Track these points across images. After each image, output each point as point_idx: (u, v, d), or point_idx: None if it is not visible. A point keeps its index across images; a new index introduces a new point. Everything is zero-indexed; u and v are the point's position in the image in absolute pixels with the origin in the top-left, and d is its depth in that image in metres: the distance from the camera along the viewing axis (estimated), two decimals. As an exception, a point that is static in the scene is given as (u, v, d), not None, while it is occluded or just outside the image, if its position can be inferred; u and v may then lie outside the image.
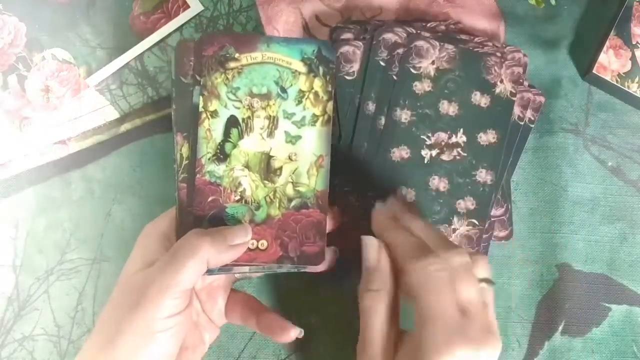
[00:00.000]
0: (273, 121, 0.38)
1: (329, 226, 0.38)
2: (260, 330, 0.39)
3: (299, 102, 0.38)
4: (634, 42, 0.47)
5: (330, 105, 0.38)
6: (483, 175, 0.43)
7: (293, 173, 0.38)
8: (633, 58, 0.46)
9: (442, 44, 0.43)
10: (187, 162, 0.37)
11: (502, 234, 0.44)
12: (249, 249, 0.36)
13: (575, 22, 0.49)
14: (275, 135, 0.37)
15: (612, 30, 0.46)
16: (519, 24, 0.48)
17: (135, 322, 0.32)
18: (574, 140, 0.47)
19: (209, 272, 0.36)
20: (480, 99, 0.43)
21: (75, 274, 0.45)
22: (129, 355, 0.31)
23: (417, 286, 0.31)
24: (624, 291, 0.46)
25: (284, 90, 0.38)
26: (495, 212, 0.44)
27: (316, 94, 0.38)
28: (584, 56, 0.48)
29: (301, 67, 0.38)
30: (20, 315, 0.44)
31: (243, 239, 0.36)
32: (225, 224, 0.37)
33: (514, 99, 0.44)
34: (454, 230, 0.43)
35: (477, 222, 0.43)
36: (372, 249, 0.35)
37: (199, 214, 0.36)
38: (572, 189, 0.46)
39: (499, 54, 0.44)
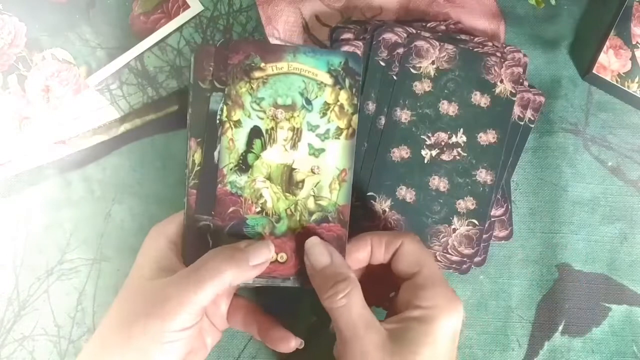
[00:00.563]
0: (297, 133, 0.37)
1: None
2: (261, 338, 0.39)
3: (324, 114, 0.37)
4: (634, 42, 0.47)
5: (355, 118, 0.38)
6: (483, 175, 0.43)
7: (315, 186, 0.37)
8: (633, 58, 0.46)
9: (442, 44, 0.43)
10: (198, 168, 0.36)
11: (502, 234, 0.44)
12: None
13: (575, 22, 0.49)
14: (298, 147, 0.37)
15: (612, 30, 0.46)
16: (519, 24, 0.48)
17: (148, 330, 0.31)
18: (574, 140, 0.47)
19: None
20: (480, 99, 0.43)
21: (75, 274, 0.45)
22: (138, 359, 0.32)
23: (421, 256, 0.35)
24: (624, 291, 0.46)
25: (309, 102, 0.37)
26: (495, 212, 0.44)
27: (341, 106, 0.38)
28: (584, 56, 0.48)
29: (327, 79, 0.37)
30: (20, 315, 0.44)
31: (266, 257, 0.35)
32: (244, 236, 0.36)
33: (514, 99, 0.44)
34: (454, 230, 0.43)
35: (477, 222, 0.43)
36: (318, 247, 0.35)
37: (218, 224, 0.36)
38: (572, 189, 0.46)
39: (498, 54, 0.44)
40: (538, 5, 0.46)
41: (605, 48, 0.46)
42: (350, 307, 0.33)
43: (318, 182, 0.37)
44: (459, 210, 0.43)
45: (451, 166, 0.43)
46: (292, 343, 0.38)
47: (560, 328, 0.45)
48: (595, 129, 0.47)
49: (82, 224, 0.45)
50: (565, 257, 0.45)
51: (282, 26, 0.46)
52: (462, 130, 0.43)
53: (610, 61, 0.46)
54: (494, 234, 0.44)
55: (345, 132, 0.38)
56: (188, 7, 0.46)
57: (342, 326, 0.33)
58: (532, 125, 0.45)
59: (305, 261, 0.36)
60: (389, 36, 0.44)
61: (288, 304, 0.44)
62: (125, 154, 0.46)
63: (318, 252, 0.35)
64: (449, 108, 0.43)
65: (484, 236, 0.43)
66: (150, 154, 0.46)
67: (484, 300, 0.45)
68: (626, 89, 0.46)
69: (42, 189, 0.45)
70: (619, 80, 0.46)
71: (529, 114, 0.45)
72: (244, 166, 0.37)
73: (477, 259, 0.43)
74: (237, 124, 0.37)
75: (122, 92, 0.45)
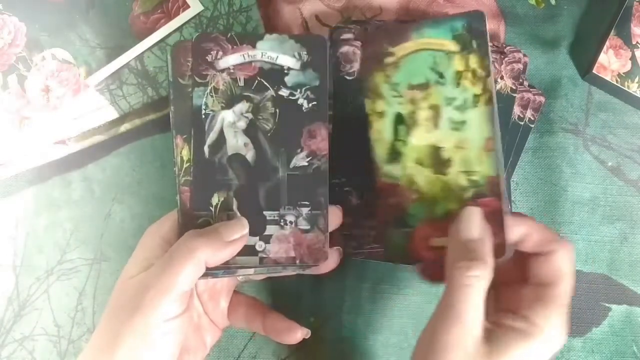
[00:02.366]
0: (436, 110, 0.36)
1: (331, 225, 0.38)
2: (265, 332, 0.39)
3: (458, 84, 0.36)
4: (634, 42, 0.47)
5: (490, 80, 0.36)
6: None
7: (463, 162, 0.36)
8: (633, 58, 0.46)
9: None
10: (187, 165, 0.37)
11: (502, 234, 0.44)
12: (434, 247, 0.36)
13: (575, 22, 0.49)
14: (439, 124, 0.36)
15: (612, 30, 0.46)
16: (519, 24, 0.48)
17: (134, 326, 0.31)
18: (574, 140, 0.47)
19: (213, 275, 0.35)
20: None
21: (75, 274, 0.45)
22: (130, 358, 0.31)
23: (567, 271, 0.33)
24: (624, 291, 0.46)
25: (441, 75, 0.36)
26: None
27: (474, 71, 0.36)
28: (584, 56, 0.48)
29: (454, 47, 0.37)
30: (20, 315, 0.44)
31: (240, 233, 0.35)
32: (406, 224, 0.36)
33: (514, 95, 0.44)
34: None
35: None
36: (474, 217, 0.34)
37: (380, 218, 0.36)
38: (572, 189, 0.46)
39: (499, 53, 0.44)
40: (538, 5, 0.46)
41: (605, 48, 0.46)
42: (473, 290, 0.31)
43: (466, 157, 0.36)
44: None
45: None
46: (299, 333, 0.38)
47: (560, 328, 0.45)
48: (595, 129, 0.47)
49: (82, 224, 0.45)
50: (565, 257, 0.45)
51: (282, 26, 0.46)
52: None
53: (610, 61, 0.46)
54: (494, 234, 0.44)
55: (482, 98, 0.36)
56: (188, 7, 0.46)
57: (454, 302, 0.31)
58: (532, 125, 0.45)
59: (453, 225, 0.34)
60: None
61: (288, 304, 0.44)
62: (125, 154, 0.46)
63: (475, 223, 0.33)
64: None
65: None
66: (150, 154, 0.46)
67: (484, 300, 0.45)
68: (626, 89, 0.46)
69: (42, 189, 0.45)
70: (619, 80, 0.46)
71: (529, 114, 0.44)
72: (394, 155, 0.37)
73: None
74: (381, 115, 0.37)
75: (122, 92, 0.45)
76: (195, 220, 0.36)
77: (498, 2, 0.48)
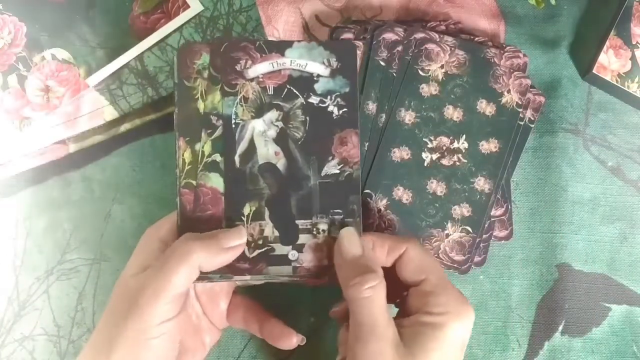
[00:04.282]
0: None
1: None
2: (262, 336, 0.39)
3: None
4: (634, 42, 0.47)
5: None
6: (481, 184, 0.43)
7: None
8: (633, 58, 0.46)
9: (453, 48, 0.43)
10: (189, 167, 0.36)
11: (502, 234, 0.44)
12: None
13: (575, 22, 0.49)
14: None
15: (612, 30, 0.46)
16: (519, 24, 0.48)
17: (129, 329, 0.31)
18: (574, 140, 0.47)
19: (208, 279, 0.35)
20: (485, 107, 0.43)
21: (75, 274, 0.45)
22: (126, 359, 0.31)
23: (426, 263, 0.35)
24: (624, 291, 0.46)
25: None
26: (495, 212, 0.44)
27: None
28: (584, 56, 0.48)
29: None
30: (20, 315, 0.44)
31: (238, 241, 0.35)
32: None
33: (519, 110, 0.44)
34: (447, 235, 0.43)
35: (470, 230, 0.43)
36: (353, 237, 0.35)
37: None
38: (572, 189, 0.46)
39: (504, 69, 0.44)
40: (538, 5, 0.46)
41: (605, 48, 0.46)
42: (374, 300, 0.32)
43: None
44: (454, 216, 0.43)
45: (450, 171, 0.43)
46: (294, 340, 0.38)
47: (560, 328, 0.45)
48: (595, 129, 0.47)
49: (82, 224, 0.45)
50: (565, 257, 0.45)
51: (282, 26, 0.46)
52: (464, 136, 0.43)
53: (610, 61, 0.46)
54: (494, 234, 0.44)
55: None
56: (188, 7, 0.46)
57: (361, 319, 0.32)
58: (532, 125, 0.45)
59: (335, 249, 0.35)
60: (389, 36, 0.44)
61: (288, 304, 0.44)
62: (125, 154, 0.46)
63: (352, 242, 0.35)
64: (453, 113, 0.43)
65: (484, 236, 0.43)
66: (150, 154, 0.46)
67: (484, 300, 0.45)
68: (626, 89, 0.46)
69: (42, 189, 0.45)
70: (619, 80, 0.46)
71: (529, 114, 0.45)
72: None
73: (477, 259, 0.43)
74: None
75: (122, 92, 0.45)
76: (195, 223, 0.36)
77: (498, 2, 0.48)
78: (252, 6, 0.46)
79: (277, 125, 0.37)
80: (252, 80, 0.37)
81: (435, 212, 0.43)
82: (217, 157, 0.37)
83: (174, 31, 0.45)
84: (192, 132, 0.37)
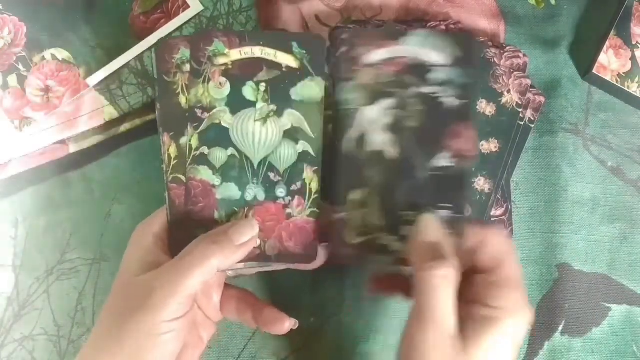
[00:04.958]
0: None
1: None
2: (256, 322, 0.39)
3: None
4: (634, 42, 0.47)
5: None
6: (481, 184, 0.43)
7: None
8: (633, 58, 0.46)
9: None
10: (176, 162, 0.37)
11: (502, 234, 0.44)
12: None
13: (575, 22, 0.49)
14: None
15: (612, 30, 0.46)
16: (519, 24, 0.48)
17: (141, 323, 0.32)
18: (574, 140, 0.47)
19: (233, 270, 0.36)
20: (485, 107, 0.43)
21: (75, 274, 0.45)
22: (134, 356, 0.32)
23: (504, 252, 0.34)
24: (624, 291, 0.46)
25: None
26: (495, 212, 0.44)
27: None
28: (584, 56, 0.48)
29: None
30: (20, 315, 0.44)
31: (250, 235, 0.35)
32: None
33: (519, 110, 0.44)
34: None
35: None
36: (434, 223, 0.34)
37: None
38: (572, 189, 0.46)
39: (504, 69, 0.44)
40: (538, 5, 0.46)
41: (605, 48, 0.46)
42: (443, 289, 0.32)
43: None
44: None
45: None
46: (287, 324, 0.38)
47: (560, 328, 0.45)
48: (595, 129, 0.47)
49: (82, 224, 0.45)
50: (565, 257, 0.45)
51: (282, 26, 0.46)
52: None
53: (610, 61, 0.46)
54: (494, 234, 0.44)
55: None
56: (188, 7, 0.46)
57: (426, 304, 0.31)
58: (532, 125, 0.45)
59: (413, 231, 0.34)
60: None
61: (288, 305, 0.44)
62: (125, 154, 0.46)
63: (433, 227, 0.34)
64: None
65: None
66: (150, 154, 0.46)
67: (484, 300, 0.45)
68: (626, 89, 0.46)
69: (42, 189, 0.45)
70: (619, 80, 0.46)
71: (529, 114, 0.44)
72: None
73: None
74: None
75: (122, 92, 0.45)
76: (185, 217, 0.36)
77: (498, 2, 0.48)
78: (252, 6, 0.46)
79: (390, 114, 0.36)
80: (368, 66, 0.37)
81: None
82: (205, 150, 0.37)
83: (174, 31, 0.45)
84: (176, 127, 0.37)
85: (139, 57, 0.45)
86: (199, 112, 0.37)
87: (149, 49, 0.45)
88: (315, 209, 0.37)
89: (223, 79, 0.37)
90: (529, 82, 0.44)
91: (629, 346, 0.45)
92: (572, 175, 0.46)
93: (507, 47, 0.45)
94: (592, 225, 0.46)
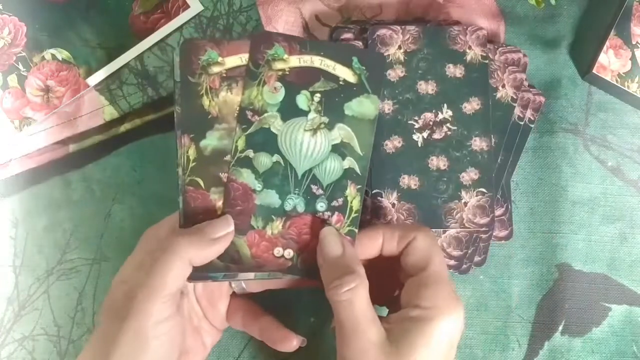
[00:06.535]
0: None
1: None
2: (261, 338, 0.39)
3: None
4: (634, 42, 0.47)
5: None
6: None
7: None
8: (633, 58, 0.46)
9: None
10: (194, 164, 0.36)
11: (502, 234, 0.44)
12: None
13: (575, 22, 0.49)
14: None
15: (612, 30, 0.46)
16: (519, 24, 0.48)
17: (128, 331, 0.31)
18: (574, 140, 0.47)
19: (212, 278, 0.35)
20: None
21: (75, 274, 0.45)
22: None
23: (430, 252, 0.34)
24: (624, 291, 0.46)
25: None
26: (495, 212, 0.44)
27: None
28: (584, 56, 0.48)
29: None
30: (20, 315, 0.44)
31: (225, 230, 0.34)
32: None
33: (514, 104, 0.44)
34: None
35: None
36: (332, 237, 0.35)
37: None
38: (572, 189, 0.46)
39: (498, 63, 0.44)
40: (538, 5, 0.46)
41: (605, 48, 0.46)
42: (354, 301, 0.32)
43: None
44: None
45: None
46: (294, 342, 0.38)
47: (560, 328, 0.45)
48: (595, 129, 0.47)
49: (82, 224, 0.45)
50: (565, 257, 0.45)
51: (282, 26, 0.46)
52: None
53: (610, 61, 0.46)
54: (494, 234, 0.44)
55: None
56: (188, 7, 0.46)
57: (343, 320, 0.32)
58: (532, 125, 0.45)
59: (317, 250, 0.35)
60: (384, 32, 0.44)
61: (288, 304, 0.44)
62: (125, 154, 0.46)
63: (332, 242, 0.34)
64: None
65: (484, 236, 0.43)
66: (150, 154, 0.46)
67: (484, 300, 0.45)
68: (626, 89, 0.46)
69: (42, 189, 0.45)
70: (619, 80, 0.46)
71: (529, 114, 0.44)
72: None
73: (477, 259, 0.43)
74: None
75: (122, 92, 0.45)
76: (199, 222, 0.36)
77: (498, 2, 0.48)
78: (252, 6, 0.46)
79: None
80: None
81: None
82: (250, 153, 0.36)
83: (174, 31, 0.45)
84: (197, 128, 0.36)
85: (139, 57, 0.45)
86: (249, 114, 0.36)
87: (149, 49, 0.45)
88: (353, 229, 0.36)
89: (278, 84, 0.36)
90: (523, 76, 0.44)
91: (629, 346, 0.45)
92: (572, 175, 0.46)
93: (507, 47, 0.45)
94: (592, 225, 0.46)
